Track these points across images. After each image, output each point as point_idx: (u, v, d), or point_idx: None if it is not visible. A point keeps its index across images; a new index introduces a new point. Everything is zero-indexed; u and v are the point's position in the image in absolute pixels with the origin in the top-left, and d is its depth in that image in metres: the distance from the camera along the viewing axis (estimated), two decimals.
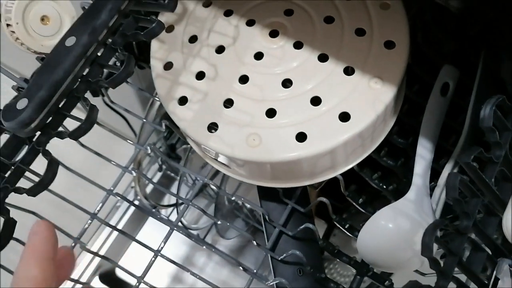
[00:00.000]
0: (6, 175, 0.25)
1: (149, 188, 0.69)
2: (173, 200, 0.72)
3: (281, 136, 0.33)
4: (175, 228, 0.38)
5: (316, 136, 0.32)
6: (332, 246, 0.39)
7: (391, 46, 0.34)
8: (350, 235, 0.40)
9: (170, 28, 0.38)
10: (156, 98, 0.46)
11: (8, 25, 0.26)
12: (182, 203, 0.65)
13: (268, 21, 0.36)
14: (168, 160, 0.42)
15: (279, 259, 0.39)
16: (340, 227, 0.40)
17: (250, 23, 0.37)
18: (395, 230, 0.36)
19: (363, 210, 0.39)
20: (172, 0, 0.27)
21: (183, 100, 0.35)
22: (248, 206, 0.65)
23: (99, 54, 0.27)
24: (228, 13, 0.37)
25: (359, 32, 0.35)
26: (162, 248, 0.38)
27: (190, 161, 0.61)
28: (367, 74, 0.33)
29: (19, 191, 0.25)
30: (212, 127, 0.34)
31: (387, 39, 0.34)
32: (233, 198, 0.40)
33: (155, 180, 0.69)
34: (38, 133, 0.26)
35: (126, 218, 0.68)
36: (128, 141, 0.38)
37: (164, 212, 0.74)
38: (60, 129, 0.27)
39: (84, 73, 0.27)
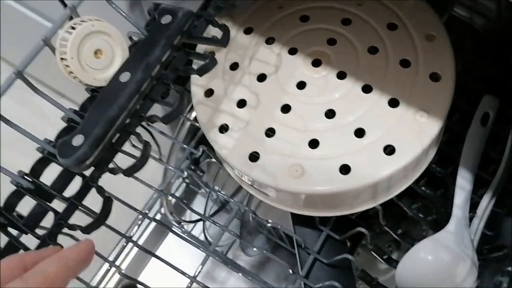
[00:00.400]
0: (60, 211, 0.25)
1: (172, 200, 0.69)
2: (193, 216, 0.72)
3: (324, 167, 0.33)
4: (211, 255, 0.38)
5: (360, 169, 0.32)
6: (370, 277, 0.38)
7: (437, 79, 0.34)
8: (389, 265, 0.40)
9: (211, 54, 0.37)
10: (188, 118, 0.46)
11: (62, 59, 0.27)
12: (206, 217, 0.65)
13: (310, 50, 0.36)
14: (200, 182, 0.42)
15: None
16: (379, 258, 0.39)
17: (292, 51, 0.37)
18: (435, 263, 0.36)
19: (401, 240, 0.39)
20: (225, 36, 0.27)
21: (224, 128, 0.35)
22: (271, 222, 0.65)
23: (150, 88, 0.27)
24: (270, 41, 0.37)
25: (404, 64, 0.35)
26: (198, 273, 0.38)
27: (213, 172, 0.61)
28: (412, 106, 0.33)
29: (73, 228, 0.25)
30: (254, 156, 0.34)
31: (433, 71, 0.34)
32: (268, 225, 0.39)
33: (178, 193, 0.69)
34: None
35: (147, 232, 0.68)
36: (168, 166, 0.38)
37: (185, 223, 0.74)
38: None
39: (137, 108, 0.27)
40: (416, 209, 0.39)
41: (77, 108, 0.29)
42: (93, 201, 0.27)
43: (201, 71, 0.27)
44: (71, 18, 0.28)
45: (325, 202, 0.36)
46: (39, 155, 0.28)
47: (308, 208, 0.37)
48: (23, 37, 0.74)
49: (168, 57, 0.28)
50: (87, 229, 0.24)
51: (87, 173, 0.27)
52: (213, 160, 0.40)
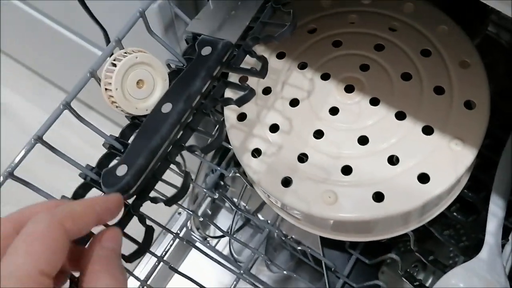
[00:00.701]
0: None
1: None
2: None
3: (357, 194, 0.33)
4: (242, 277, 0.38)
5: (394, 197, 0.32)
6: None
7: (471, 107, 0.34)
8: None
9: (244, 79, 0.38)
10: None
11: (107, 89, 0.27)
12: (233, 234, 0.65)
13: (343, 75, 0.36)
14: (228, 201, 0.43)
15: None
16: (410, 284, 0.39)
17: (325, 77, 0.37)
18: None
19: (433, 267, 0.39)
20: (264, 67, 0.28)
21: (257, 152, 0.36)
22: (294, 236, 0.65)
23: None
24: (302, 66, 0.38)
25: (438, 91, 0.35)
26: None
27: (238, 185, 0.61)
28: (447, 134, 0.33)
29: None
30: (287, 181, 0.34)
31: (467, 99, 0.34)
32: (299, 248, 0.40)
33: (204, 206, 0.70)
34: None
35: (172, 247, 0.69)
36: (200, 186, 0.39)
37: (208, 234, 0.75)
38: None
39: (177, 138, 0.28)
40: (447, 235, 0.38)
41: (117, 134, 0.30)
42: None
43: (240, 102, 0.27)
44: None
45: (356, 227, 0.36)
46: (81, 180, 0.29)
47: (339, 232, 0.37)
48: (22, 31, 0.76)
49: (207, 88, 0.28)
50: (130, 258, 0.25)
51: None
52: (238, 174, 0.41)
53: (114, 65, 0.27)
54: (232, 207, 0.46)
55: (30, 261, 0.19)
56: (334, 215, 0.33)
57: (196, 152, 0.27)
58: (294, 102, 0.37)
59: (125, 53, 0.28)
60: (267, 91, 0.38)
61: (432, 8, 0.38)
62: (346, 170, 0.34)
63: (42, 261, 0.19)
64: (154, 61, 0.28)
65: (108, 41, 0.44)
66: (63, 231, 0.20)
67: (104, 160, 0.29)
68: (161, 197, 0.27)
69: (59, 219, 0.20)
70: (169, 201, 0.26)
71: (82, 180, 0.28)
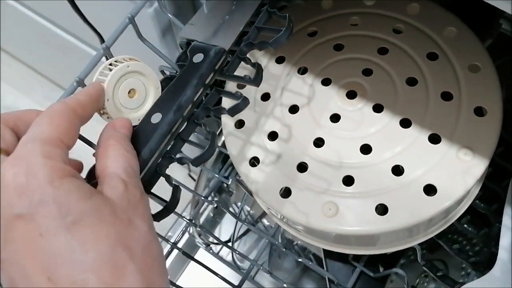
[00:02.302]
0: None
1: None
2: (223, 232, 0.71)
3: (359, 207, 0.31)
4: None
5: (398, 210, 0.30)
6: None
7: (482, 113, 0.32)
8: None
9: (241, 86, 0.37)
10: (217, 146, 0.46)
11: None
12: (236, 241, 0.64)
13: (345, 81, 0.35)
14: (228, 212, 0.41)
15: None
16: None
17: (325, 82, 0.35)
18: None
19: (442, 283, 0.37)
20: (259, 75, 0.26)
21: (255, 161, 0.34)
22: (299, 243, 0.64)
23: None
24: (302, 71, 0.36)
25: (446, 97, 0.33)
26: None
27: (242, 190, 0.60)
28: (455, 143, 0.31)
29: None
30: (286, 192, 0.33)
31: (477, 105, 0.32)
32: (299, 260, 0.38)
33: (206, 212, 0.69)
34: None
35: (172, 256, 0.68)
36: (199, 195, 0.37)
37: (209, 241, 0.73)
38: None
39: (167, 149, 0.26)
40: (457, 249, 0.36)
41: None
42: None
43: (233, 111, 0.26)
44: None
45: (359, 240, 0.34)
46: None
47: (341, 245, 0.35)
48: (21, 29, 0.77)
49: (199, 96, 0.27)
50: (156, 217, 0.24)
51: None
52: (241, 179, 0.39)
53: (105, 74, 0.26)
54: (232, 212, 0.44)
55: (53, 129, 0.21)
56: (334, 228, 0.31)
57: (186, 164, 0.26)
58: (293, 109, 0.35)
59: (116, 61, 0.27)
60: (266, 97, 0.36)
61: (439, 9, 0.36)
62: (348, 181, 0.32)
63: (62, 131, 0.22)
64: (146, 69, 0.27)
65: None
66: (77, 114, 0.23)
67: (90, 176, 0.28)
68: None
69: (72, 106, 0.23)
70: (156, 217, 0.24)
71: None
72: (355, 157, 0.33)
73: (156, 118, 0.26)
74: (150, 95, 0.27)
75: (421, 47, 0.34)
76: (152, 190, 0.26)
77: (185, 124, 0.27)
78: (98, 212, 0.20)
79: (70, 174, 0.20)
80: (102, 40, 0.39)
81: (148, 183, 0.26)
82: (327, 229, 0.31)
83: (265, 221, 0.67)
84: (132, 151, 0.23)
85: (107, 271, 0.19)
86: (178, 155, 0.27)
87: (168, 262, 0.69)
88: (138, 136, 0.25)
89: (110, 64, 0.26)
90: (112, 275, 0.19)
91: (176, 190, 0.25)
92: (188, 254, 0.38)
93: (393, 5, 0.36)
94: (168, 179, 0.26)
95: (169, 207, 0.24)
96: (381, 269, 0.55)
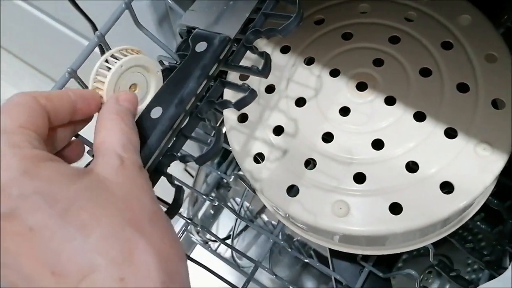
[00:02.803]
0: None
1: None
2: (221, 228, 0.69)
3: (372, 205, 0.29)
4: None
5: (413, 209, 0.29)
6: None
7: (500, 106, 0.30)
8: None
9: (244, 77, 0.35)
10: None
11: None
12: (235, 238, 0.62)
13: (355, 71, 0.33)
14: (228, 208, 0.39)
15: None
16: None
17: (334, 73, 0.33)
18: None
19: (456, 283, 0.35)
20: (267, 66, 0.24)
21: (259, 157, 0.32)
22: (300, 238, 0.62)
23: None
24: (309, 61, 0.34)
25: (462, 88, 0.31)
26: None
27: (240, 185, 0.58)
28: (472, 138, 0.29)
29: None
30: (292, 190, 0.31)
31: (495, 97, 0.30)
32: (306, 260, 0.36)
33: (203, 209, 0.67)
34: None
35: None
36: (198, 192, 0.35)
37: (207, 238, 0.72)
38: None
39: (169, 146, 0.24)
40: (470, 248, 0.35)
41: None
42: None
43: (239, 105, 0.24)
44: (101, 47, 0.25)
45: (369, 240, 0.32)
46: None
47: (349, 244, 0.34)
48: (10, 19, 0.75)
49: (203, 89, 0.25)
50: None
51: None
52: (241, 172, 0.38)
53: (104, 75, 0.23)
54: (232, 212, 0.43)
55: (12, 119, 0.20)
56: (345, 228, 0.29)
57: (190, 162, 0.24)
58: (300, 102, 0.33)
59: (113, 56, 0.24)
60: (270, 89, 0.34)
61: None
62: (359, 178, 0.30)
63: (23, 119, 0.20)
64: (149, 63, 0.25)
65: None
66: (38, 103, 0.21)
67: None
68: None
69: (33, 95, 0.21)
70: None
71: None
72: (366, 152, 0.31)
73: (156, 112, 0.24)
74: (151, 88, 0.25)
75: (435, 36, 0.33)
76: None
77: (187, 119, 0.25)
78: (91, 193, 0.18)
79: (46, 158, 0.19)
80: (95, 28, 0.37)
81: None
82: (338, 229, 0.30)
83: (264, 216, 0.65)
84: (133, 127, 0.22)
85: (115, 249, 0.17)
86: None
87: None
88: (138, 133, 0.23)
89: (106, 61, 0.24)
90: (122, 252, 0.17)
91: (179, 191, 0.23)
92: (188, 256, 0.36)
93: None
94: (170, 178, 0.24)
95: (172, 210, 0.22)
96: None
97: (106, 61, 0.24)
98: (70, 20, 0.62)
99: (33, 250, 0.17)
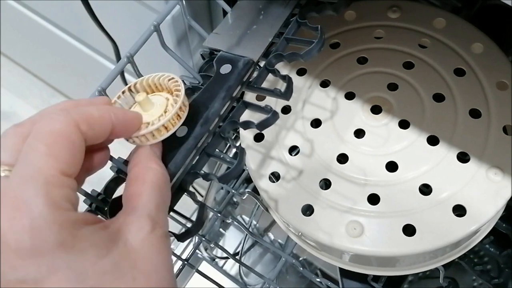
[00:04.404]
0: None
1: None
2: (227, 246, 0.69)
3: (386, 227, 0.30)
4: None
5: (426, 231, 0.29)
6: None
7: (510, 132, 0.31)
8: None
9: (261, 97, 0.36)
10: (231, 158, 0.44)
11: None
12: (242, 256, 0.62)
13: (370, 95, 0.34)
14: (239, 224, 0.40)
15: None
16: None
17: (349, 96, 0.34)
18: None
19: None
20: (289, 89, 0.25)
21: (274, 177, 0.33)
22: (307, 257, 0.62)
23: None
24: (325, 84, 0.35)
25: (474, 114, 0.32)
26: None
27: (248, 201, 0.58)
28: (485, 163, 0.30)
29: None
30: (308, 209, 0.32)
31: (506, 123, 0.31)
32: (317, 280, 0.37)
33: (212, 223, 0.67)
34: None
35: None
36: (210, 208, 0.36)
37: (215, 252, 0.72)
38: None
39: (193, 164, 0.25)
40: (479, 270, 0.35)
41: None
42: None
43: (262, 126, 0.25)
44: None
45: (380, 261, 0.33)
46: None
47: (359, 265, 0.34)
48: (22, 34, 0.76)
49: (226, 109, 0.26)
50: (180, 238, 0.22)
51: None
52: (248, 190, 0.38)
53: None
54: (243, 229, 0.43)
55: (52, 161, 0.18)
56: (359, 248, 0.30)
57: (212, 181, 0.25)
58: (316, 123, 0.34)
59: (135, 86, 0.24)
60: (286, 110, 0.35)
61: (465, 24, 0.35)
62: (373, 199, 0.31)
63: (64, 160, 0.18)
64: (181, 93, 0.24)
65: (117, 51, 0.42)
66: (80, 134, 0.19)
67: (111, 184, 0.26)
68: (171, 232, 0.24)
69: (75, 121, 0.19)
70: (181, 237, 0.23)
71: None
72: (380, 174, 0.31)
73: (181, 131, 0.24)
74: (168, 113, 0.25)
75: (448, 63, 0.34)
76: None
77: (210, 138, 0.26)
78: (118, 272, 0.18)
79: (82, 222, 0.18)
80: (115, 47, 0.38)
81: (171, 200, 0.24)
82: (352, 249, 0.30)
83: (271, 235, 0.65)
84: (169, 180, 0.21)
85: None
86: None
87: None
88: (163, 151, 0.24)
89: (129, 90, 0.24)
90: None
91: (203, 209, 0.23)
92: (202, 272, 0.36)
93: (419, 19, 0.35)
94: (193, 196, 0.24)
95: (194, 229, 0.23)
96: None
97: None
98: (81, 34, 0.63)
99: None
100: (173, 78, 0.24)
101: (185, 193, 0.25)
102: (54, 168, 0.18)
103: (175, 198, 0.25)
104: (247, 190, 0.37)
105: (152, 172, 0.21)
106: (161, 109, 0.23)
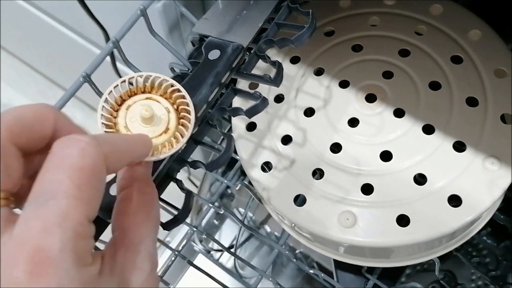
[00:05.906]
0: None
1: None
2: (223, 239, 0.69)
3: (379, 217, 0.29)
4: None
5: (421, 221, 0.29)
6: None
7: (508, 121, 0.30)
8: None
9: (253, 85, 0.35)
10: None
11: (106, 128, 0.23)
12: (237, 248, 0.62)
13: (364, 83, 0.33)
14: (234, 217, 0.39)
15: None
16: None
17: (343, 84, 0.33)
18: None
19: None
20: (279, 75, 0.24)
21: (266, 166, 0.32)
22: (303, 250, 0.62)
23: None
24: (318, 72, 0.34)
25: (471, 102, 0.31)
26: None
27: (244, 194, 0.58)
28: (481, 152, 0.29)
29: None
30: (300, 199, 0.31)
31: (504, 112, 0.30)
32: (310, 271, 0.36)
33: (207, 218, 0.66)
34: None
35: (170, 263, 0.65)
36: (205, 200, 0.35)
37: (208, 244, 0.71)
38: None
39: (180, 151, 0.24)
40: (476, 262, 0.35)
41: None
42: None
43: (250, 113, 0.24)
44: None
45: (374, 252, 0.32)
46: None
47: (354, 256, 0.34)
48: (18, 25, 0.75)
49: (214, 96, 0.25)
50: (166, 226, 0.22)
51: None
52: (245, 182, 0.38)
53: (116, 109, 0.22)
54: (237, 221, 0.42)
55: (82, 205, 0.15)
56: (351, 239, 0.29)
57: (200, 168, 0.24)
58: (309, 112, 0.33)
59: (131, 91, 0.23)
60: (279, 98, 0.34)
61: (463, 10, 0.34)
62: (367, 189, 0.30)
63: (91, 206, 0.16)
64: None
65: (107, 40, 0.41)
66: (104, 164, 0.16)
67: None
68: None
69: (105, 155, 0.16)
70: (167, 225, 0.22)
71: None
72: (374, 164, 0.31)
73: None
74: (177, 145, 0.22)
75: (445, 50, 0.33)
76: None
77: (198, 126, 0.25)
78: None
79: (98, 273, 0.16)
80: (105, 34, 0.37)
81: (158, 188, 0.24)
82: (344, 240, 0.30)
83: (267, 227, 0.65)
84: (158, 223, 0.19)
85: None
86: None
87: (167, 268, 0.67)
88: None
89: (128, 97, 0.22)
90: None
91: (189, 196, 0.23)
92: (193, 264, 0.36)
93: (415, 5, 0.35)
94: (180, 183, 0.24)
95: (182, 215, 0.22)
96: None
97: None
98: (77, 25, 0.63)
99: None
100: (179, 90, 0.22)
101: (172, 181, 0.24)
102: (83, 214, 0.15)
103: (162, 186, 0.24)
104: (241, 181, 0.36)
105: (150, 202, 0.19)
106: (163, 125, 0.22)
